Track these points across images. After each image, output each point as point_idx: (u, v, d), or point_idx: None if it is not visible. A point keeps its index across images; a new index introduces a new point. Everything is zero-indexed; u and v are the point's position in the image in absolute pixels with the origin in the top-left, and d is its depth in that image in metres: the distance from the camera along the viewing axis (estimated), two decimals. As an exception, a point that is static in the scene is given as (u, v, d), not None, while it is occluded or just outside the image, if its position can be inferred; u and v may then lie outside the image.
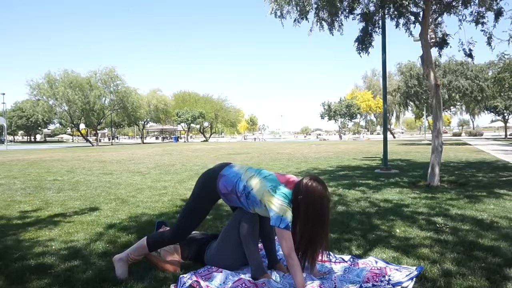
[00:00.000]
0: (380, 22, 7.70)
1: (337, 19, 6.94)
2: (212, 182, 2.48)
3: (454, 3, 6.67)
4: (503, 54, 18.58)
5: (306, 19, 6.81)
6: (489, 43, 6.53)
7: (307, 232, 2.25)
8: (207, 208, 2.58)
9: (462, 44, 6.79)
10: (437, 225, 3.61)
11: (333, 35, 7.21)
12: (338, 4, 6.48)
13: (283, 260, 2.67)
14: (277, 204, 2.20)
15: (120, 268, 2.46)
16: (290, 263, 2.18)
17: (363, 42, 7.29)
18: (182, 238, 2.63)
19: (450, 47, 7.00)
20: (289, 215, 2.19)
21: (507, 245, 2.96)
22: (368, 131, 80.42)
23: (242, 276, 2.37)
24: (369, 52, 7.35)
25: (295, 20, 6.80)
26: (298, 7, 6.60)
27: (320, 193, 2.23)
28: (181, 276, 2.33)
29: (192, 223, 2.57)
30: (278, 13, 6.68)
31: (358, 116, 59.54)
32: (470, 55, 6.84)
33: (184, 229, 2.58)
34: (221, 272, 2.40)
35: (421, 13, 6.64)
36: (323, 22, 6.91)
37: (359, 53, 7.36)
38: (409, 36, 7.25)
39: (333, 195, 5.33)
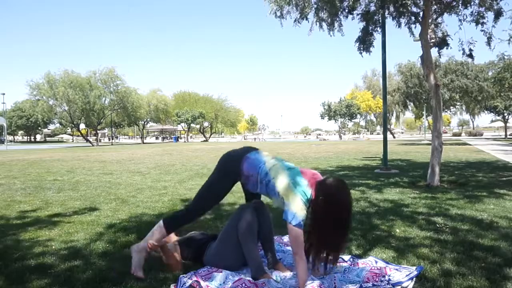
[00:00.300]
0: (380, 22, 7.72)
1: (337, 19, 6.95)
2: (237, 162, 2.44)
3: (454, 3, 6.68)
4: (503, 55, 18.63)
5: (306, 19, 6.82)
6: (488, 43, 6.54)
7: (324, 233, 2.23)
8: (226, 187, 2.53)
9: (462, 44, 6.79)
10: (437, 225, 3.61)
11: (333, 35, 7.23)
12: (338, 4, 6.49)
13: (282, 260, 2.67)
14: (295, 200, 2.17)
15: (137, 257, 2.45)
16: (297, 260, 2.17)
17: (364, 42, 7.29)
18: (197, 216, 2.63)
19: (451, 47, 7.01)
20: (303, 214, 2.16)
21: (507, 245, 2.96)
22: (368, 131, 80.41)
23: (242, 276, 2.37)
24: (370, 51, 7.36)
25: (295, 20, 6.82)
26: (298, 7, 6.61)
27: (342, 196, 2.21)
28: (181, 276, 2.34)
29: (209, 202, 2.56)
30: (278, 13, 6.69)
31: (358, 116, 59.55)
32: (470, 55, 6.84)
33: (201, 207, 2.57)
34: (221, 272, 2.40)
35: (421, 13, 6.65)
36: (322, 22, 6.93)
37: (361, 53, 7.37)
38: (410, 36, 7.26)
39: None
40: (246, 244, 2.43)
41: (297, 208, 2.15)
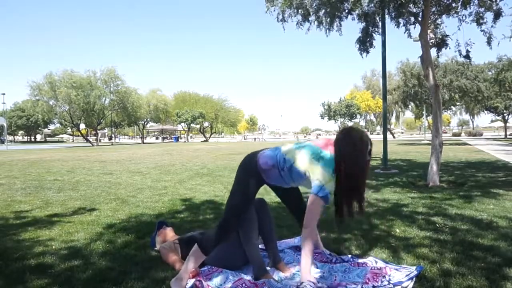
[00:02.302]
0: (380, 22, 7.74)
1: (336, 20, 6.98)
2: (253, 163, 2.35)
3: (453, 4, 6.69)
4: (501, 57, 18.75)
5: (308, 21, 6.86)
6: (488, 43, 6.55)
7: (352, 185, 2.12)
8: (252, 190, 2.37)
9: (458, 45, 6.82)
10: (437, 225, 3.61)
11: (329, 35, 7.28)
12: (339, 5, 6.52)
13: (286, 260, 2.68)
14: (320, 172, 2.08)
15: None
16: (304, 234, 2.10)
17: (364, 43, 7.31)
18: (231, 231, 2.41)
19: (449, 48, 7.03)
20: (330, 185, 2.08)
21: (507, 245, 2.96)
22: (368, 131, 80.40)
23: (243, 276, 2.38)
24: (369, 52, 7.39)
25: (297, 23, 6.88)
26: (300, 10, 6.65)
27: (356, 138, 2.10)
28: None
29: (239, 210, 2.40)
30: (280, 17, 6.75)
31: (358, 116, 59.52)
32: (467, 56, 6.87)
33: (231, 222, 2.39)
34: (221, 272, 2.41)
35: (421, 13, 6.65)
36: (321, 24, 6.97)
37: (361, 53, 7.40)
38: (408, 37, 7.28)
39: (332, 194, 5.32)
40: (247, 244, 2.43)
41: (324, 179, 2.07)
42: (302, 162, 2.17)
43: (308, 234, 2.09)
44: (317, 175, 2.09)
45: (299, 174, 2.21)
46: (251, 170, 2.35)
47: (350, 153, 2.07)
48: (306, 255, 2.07)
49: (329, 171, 2.08)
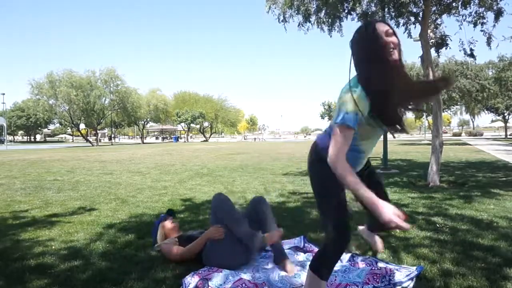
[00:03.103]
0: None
1: (337, 20, 6.98)
2: (316, 154, 1.90)
3: (454, 4, 6.68)
4: (502, 57, 18.75)
5: (309, 21, 6.87)
6: (488, 43, 6.54)
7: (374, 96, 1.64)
8: (337, 186, 1.74)
9: (462, 44, 6.80)
10: (437, 225, 3.61)
11: (331, 36, 7.28)
12: (339, 5, 6.52)
13: (291, 255, 2.68)
14: (339, 97, 1.67)
15: None
16: (336, 171, 1.60)
17: None
18: (344, 233, 1.82)
19: (450, 48, 7.03)
20: (348, 106, 1.60)
21: (507, 245, 2.96)
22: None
23: (243, 276, 2.38)
24: None
25: (299, 24, 6.89)
26: (301, 11, 6.66)
27: (373, 27, 1.64)
28: (184, 278, 2.34)
29: (339, 211, 1.84)
30: (281, 17, 6.75)
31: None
32: (471, 55, 6.84)
33: (338, 222, 1.82)
34: (221, 272, 2.40)
35: (421, 13, 6.65)
36: (323, 24, 6.97)
37: None
38: (408, 37, 7.28)
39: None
40: (233, 225, 2.49)
41: (340, 103, 1.65)
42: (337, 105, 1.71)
43: (340, 169, 1.59)
44: (341, 102, 1.65)
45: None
46: (321, 165, 1.79)
47: (361, 56, 1.67)
48: (364, 190, 1.54)
49: (348, 92, 1.64)
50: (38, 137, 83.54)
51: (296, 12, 6.75)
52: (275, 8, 6.79)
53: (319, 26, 7.03)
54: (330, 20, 6.90)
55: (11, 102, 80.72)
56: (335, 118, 1.66)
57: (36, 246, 3.12)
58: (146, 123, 55.32)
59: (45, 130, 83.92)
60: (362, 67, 1.69)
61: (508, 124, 45.36)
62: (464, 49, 6.80)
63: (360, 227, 2.47)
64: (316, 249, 2.75)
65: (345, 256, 2.72)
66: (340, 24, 7.09)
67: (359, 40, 1.70)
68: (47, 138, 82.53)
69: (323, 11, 6.78)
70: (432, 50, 7.00)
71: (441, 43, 6.92)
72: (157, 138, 72.79)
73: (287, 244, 3.00)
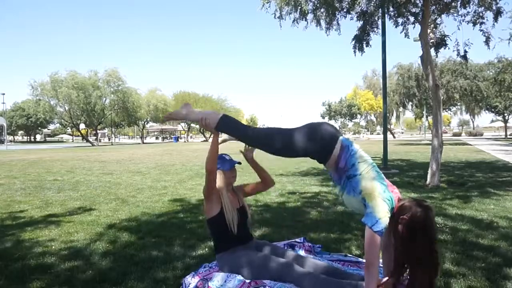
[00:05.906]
0: (380, 22, 7.74)
1: (335, 19, 6.98)
2: (334, 136, 2.07)
3: (453, 4, 6.68)
4: (501, 57, 18.78)
5: (306, 19, 6.85)
6: (487, 43, 6.55)
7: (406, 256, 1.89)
8: (307, 146, 2.09)
9: (457, 45, 6.84)
10: (437, 225, 3.61)
11: (330, 34, 7.27)
12: (337, 4, 6.52)
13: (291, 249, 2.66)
14: (380, 205, 1.89)
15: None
16: (368, 271, 1.88)
17: (360, 41, 7.33)
18: (255, 143, 2.31)
19: (448, 48, 7.05)
20: (385, 221, 1.87)
21: (507, 244, 2.96)
22: (368, 131, 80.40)
23: (242, 277, 2.37)
24: (364, 51, 7.41)
25: (294, 20, 6.85)
26: (298, 8, 6.63)
27: (427, 232, 1.87)
28: (184, 278, 2.34)
29: (276, 143, 2.23)
30: (278, 13, 6.72)
31: (359, 116, 59.58)
32: (464, 57, 6.89)
33: (265, 139, 2.27)
34: (221, 272, 2.40)
35: (421, 13, 6.65)
36: (321, 21, 6.97)
37: (354, 51, 7.42)
38: (405, 37, 7.30)
39: (332, 194, 5.32)
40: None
41: (381, 214, 1.87)
42: (369, 183, 1.95)
43: (374, 274, 1.87)
44: (375, 205, 1.89)
45: (355, 189, 1.99)
46: (323, 144, 2.07)
47: (410, 233, 1.86)
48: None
49: (388, 207, 1.91)
50: (38, 137, 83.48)
51: (293, 9, 6.71)
52: (269, 6, 6.73)
53: (317, 25, 7.02)
54: (328, 19, 6.89)
55: (12, 102, 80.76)
56: (371, 221, 1.88)
57: (36, 246, 3.12)
58: (146, 123, 55.34)
59: (45, 130, 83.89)
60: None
61: (508, 124, 45.39)
62: (458, 50, 6.83)
63: None
64: (316, 249, 2.75)
65: (344, 256, 2.70)
66: (338, 23, 7.10)
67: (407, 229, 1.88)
68: (47, 138, 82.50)
69: (321, 9, 6.76)
70: (432, 50, 7.01)
71: (441, 43, 6.93)
72: (157, 138, 72.79)
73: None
